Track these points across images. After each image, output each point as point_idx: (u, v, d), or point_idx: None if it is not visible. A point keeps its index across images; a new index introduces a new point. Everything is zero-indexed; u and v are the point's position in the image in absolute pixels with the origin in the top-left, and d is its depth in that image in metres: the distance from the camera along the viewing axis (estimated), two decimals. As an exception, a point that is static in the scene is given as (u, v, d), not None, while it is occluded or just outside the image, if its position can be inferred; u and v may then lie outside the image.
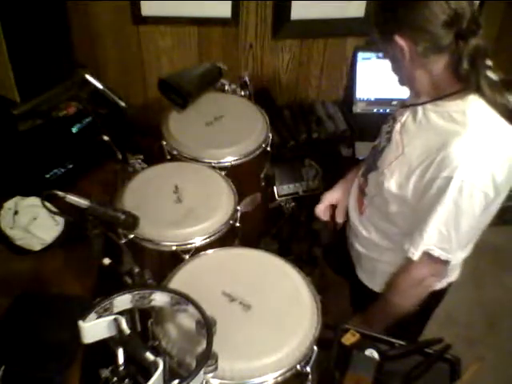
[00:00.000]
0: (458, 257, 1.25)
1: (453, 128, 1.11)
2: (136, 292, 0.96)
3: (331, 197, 1.53)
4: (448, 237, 1.16)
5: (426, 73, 1.14)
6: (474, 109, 1.11)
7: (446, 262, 1.22)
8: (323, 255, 1.80)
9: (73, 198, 1.05)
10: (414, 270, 1.25)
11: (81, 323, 0.87)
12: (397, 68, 1.20)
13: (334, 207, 1.54)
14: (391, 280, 1.35)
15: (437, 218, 1.14)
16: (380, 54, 1.26)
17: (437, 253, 1.19)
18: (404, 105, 1.28)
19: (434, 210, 1.13)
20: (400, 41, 1.09)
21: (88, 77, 1.41)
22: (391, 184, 1.23)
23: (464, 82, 1.11)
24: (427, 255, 1.20)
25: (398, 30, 1.09)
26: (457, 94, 1.13)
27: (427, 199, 1.15)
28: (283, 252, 1.39)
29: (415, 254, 1.20)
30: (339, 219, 1.52)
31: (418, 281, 1.27)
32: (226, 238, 1.38)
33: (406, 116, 1.24)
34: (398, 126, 1.26)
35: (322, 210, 1.53)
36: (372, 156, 1.38)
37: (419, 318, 1.50)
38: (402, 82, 1.23)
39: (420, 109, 1.20)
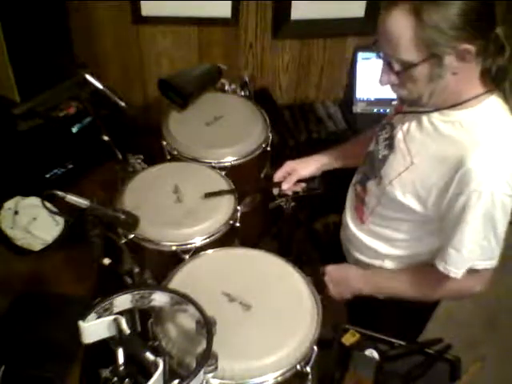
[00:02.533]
0: None
1: (468, 138, 1.09)
2: (136, 292, 0.96)
3: (292, 166, 1.56)
4: (489, 246, 1.14)
5: (460, 78, 1.08)
6: (485, 117, 1.10)
7: (491, 269, 1.19)
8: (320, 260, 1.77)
9: (73, 198, 1.05)
10: (457, 285, 1.21)
11: (81, 323, 0.86)
12: (428, 85, 1.09)
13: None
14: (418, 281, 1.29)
15: (475, 233, 1.11)
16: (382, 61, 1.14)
17: (481, 266, 1.16)
18: (402, 111, 1.25)
19: (469, 225, 1.10)
20: (469, 46, 1.02)
21: (88, 77, 1.41)
22: (406, 196, 1.20)
23: (496, 78, 1.09)
24: (471, 270, 1.17)
25: (463, 36, 1.01)
26: (468, 102, 1.11)
27: (455, 214, 1.12)
28: (283, 252, 1.39)
29: (458, 273, 1.16)
30: (285, 186, 1.55)
31: (463, 293, 1.26)
32: (226, 238, 1.38)
33: (409, 124, 1.21)
34: (400, 134, 1.23)
35: (278, 176, 1.56)
36: (369, 164, 1.35)
37: (419, 319, 1.50)
38: (422, 99, 1.13)
39: (425, 117, 1.17)
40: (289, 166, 1.57)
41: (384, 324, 1.35)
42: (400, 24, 1.03)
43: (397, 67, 1.09)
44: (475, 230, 1.11)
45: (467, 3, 1.00)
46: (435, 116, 1.16)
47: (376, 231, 1.34)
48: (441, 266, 1.18)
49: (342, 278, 1.37)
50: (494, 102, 1.12)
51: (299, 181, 1.57)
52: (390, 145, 1.27)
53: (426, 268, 1.26)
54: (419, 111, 1.18)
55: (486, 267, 1.17)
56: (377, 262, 1.38)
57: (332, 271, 1.37)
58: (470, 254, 1.14)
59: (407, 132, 1.22)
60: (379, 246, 1.35)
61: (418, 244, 1.29)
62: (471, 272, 1.17)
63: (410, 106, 1.21)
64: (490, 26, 1.05)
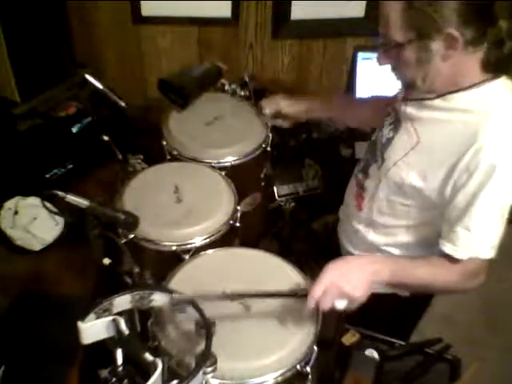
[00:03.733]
0: None
1: (478, 114, 1.09)
2: (136, 292, 0.96)
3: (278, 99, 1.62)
4: (493, 232, 1.12)
5: (453, 65, 1.08)
6: (493, 94, 1.10)
7: (489, 259, 1.15)
8: (314, 259, 1.77)
9: (73, 198, 1.05)
10: (464, 270, 1.15)
11: (80, 324, 0.86)
12: (419, 69, 1.11)
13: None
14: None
15: (486, 211, 1.09)
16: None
17: (485, 255, 1.13)
18: (407, 98, 1.24)
19: (482, 202, 1.08)
20: (455, 32, 1.02)
21: (88, 77, 1.41)
22: (410, 176, 1.19)
23: (499, 68, 1.09)
24: (476, 258, 1.13)
25: (451, 23, 1.02)
26: (470, 87, 1.11)
27: (468, 191, 1.09)
28: (283, 252, 1.39)
29: (465, 254, 1.12)
30: (265, 109, 1.62)
31: (470, 282, 1.18)
32: (226, 238, 1.38)
33: (414, 106, 1.21)
34: (406, 117, 1.23)
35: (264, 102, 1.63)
36: (371, 151, 1.36)
37: (411, 317, 1.50)
38: (416, 83, 1.14)
39: (428, 102, 1.17)
40: (276, 98, 1.64)
41: (375, 321, 1.34)
42: (390, 4, 1.07)
43: (387, 45, 1.12)
44: (487, 208, 1.09)
45: None
46: (438, 102, 1.15)
47: (373, 219, 1.34)
48: (447, 248, 1.14)
49: (343, 269, 1.10)
50: (502, 82, 1.11)
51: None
52: (396, 128, 1.26)
53: (435, 258, 1.18)
54: (421, 98, 1.18)
55: (487, 257, 1.14)
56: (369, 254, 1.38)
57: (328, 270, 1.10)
58: (480, 235, 1.11)
59: (413, 113, 1.21)
60: (374, 236, 1.35)
61: (413, 233, 1.29)
62: (476, 260, 1.13)
63: (408, 90, 1.21)
64: (485, 17, 1.04)
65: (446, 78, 1.11)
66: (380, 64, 1.17)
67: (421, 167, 1.18)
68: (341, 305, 1.07)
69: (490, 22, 1.05)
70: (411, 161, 1.20)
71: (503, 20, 1.04)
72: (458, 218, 1.12)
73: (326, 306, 1.06)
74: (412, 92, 1.20)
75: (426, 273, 1.17)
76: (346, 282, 1.06)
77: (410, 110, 1.22)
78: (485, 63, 1.10)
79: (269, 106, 1.62)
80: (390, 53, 1.13)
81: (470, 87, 1.11)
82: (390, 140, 1.27)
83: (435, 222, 1.22)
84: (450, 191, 1.13)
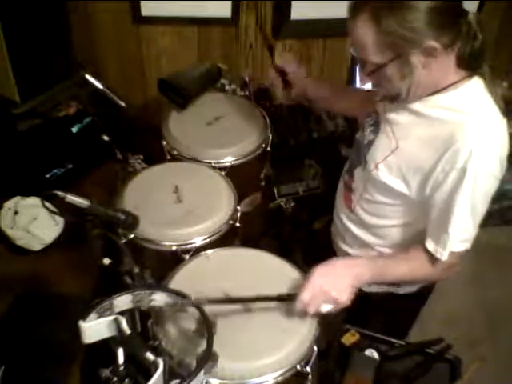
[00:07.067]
0: None
1: (455, 118, 1.11)
2: (136, 292, 0.96)
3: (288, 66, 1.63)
4: (467, 228, 1.16)
5: (433, 70, 1.09)
6: (468, 97, 1.13)
7: (465, 250, 1.20)
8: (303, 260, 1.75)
9: (73, 198, 1.05)
10: (443, 265, 1.21)
11: (81, 323, 0.86)
12: (403, 82, 1.11)
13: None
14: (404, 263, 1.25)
15: (461, 212, 1.13)
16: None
17: (459, 248, 1.18)
18: (388, 101, 1.24)
19: (454, 204, 1.12)
20: (433, 43, 1.04)
21: (88, 77, 1.41)
22: (393, 180, 1.22)
23: (472, 62, 1.12)
24: (451, 252, 1.18)
25: (427, 36, 1.03)
26: (447, 88, 1.13)
27: (442, 193, 1.14)
28: (283, 252, 1.39)
29: (444, 255, 1.18)
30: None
31: (447, 274, 1.26)
32: (226, 238, 1.38)
33: (394, 110, 1.22)
34: (385, 119, 1.25)
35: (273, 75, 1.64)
36: (356, 151, 1.37)
37: (406, 319, 1.51)
38: (400, 95, 1.15)
39: (408, 105, 1.19)
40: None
41: (373, 320, 1.35)
42: (362, 31, 1.09)
43: (368, 68, 1.13)
44: (462, 210, 1.13)
45: (424, 5, 1.02)
46: (416, 105, 1.17)
47: (364, 219, 1.35)
48: (431, 247, 1.19)
49: (329, 272, 1.14)
50: (475, 84, 1.14)
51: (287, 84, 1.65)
52: (376, 130, 1.29)
53: (415, 251, 1.24)
54: (406, 101, 1.19)
55: (461, 249, 1.18)
56: (362, 254, 1.40)
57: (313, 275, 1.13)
58: (454, 234, 1.16)
59: (392, 117, 1.24)
60: (365, 236, 1.37)
61: (402, 231, 1.31)
62: (451, 254, 1.18)
63: (392, 103, 1.22)
64: (456, 18, 1.07)
65: (428, 83, 1.13)
66: (362, 83, 1.19)
67: (401, 171, 1.20)
68: (326, 308, 1.11)
69: (462, 18, 1.07)
70: (391, 165, 1.22)
71: (472, 13, 1.08)
72: (438, 221, 1.17)
73: (312, 309, 1.10)
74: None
75: (405, 269, 1.24)
76: (333, 288, 1.11)
77: (389, 112, 1.24)
78: (459, 59, 1.12)
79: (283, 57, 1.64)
80: (371, 73, 1.14)
81: (447, 88, 1.13)
82: (371, 142, 1.29)
83: (423, 220, 1.24)
84: (429, 191, 1.17)
